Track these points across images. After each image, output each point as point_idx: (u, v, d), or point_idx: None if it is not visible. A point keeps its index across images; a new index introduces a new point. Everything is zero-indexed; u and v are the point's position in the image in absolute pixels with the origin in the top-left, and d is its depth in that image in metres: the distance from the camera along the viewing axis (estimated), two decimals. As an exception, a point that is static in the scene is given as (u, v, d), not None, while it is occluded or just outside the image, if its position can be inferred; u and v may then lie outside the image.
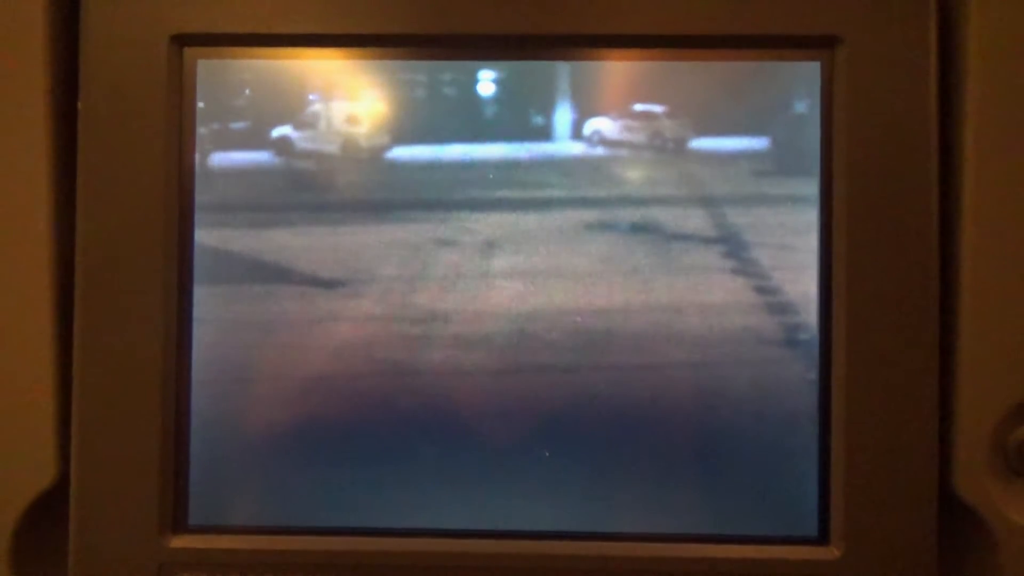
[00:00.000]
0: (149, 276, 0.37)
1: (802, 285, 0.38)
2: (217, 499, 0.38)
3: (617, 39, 0.37)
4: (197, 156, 0.38)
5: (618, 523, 0.38)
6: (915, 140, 0.36)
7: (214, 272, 0.38)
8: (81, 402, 0.37)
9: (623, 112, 0.38)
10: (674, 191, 0.38)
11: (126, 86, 0.37)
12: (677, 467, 0.38)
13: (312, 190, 0.39)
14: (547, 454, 0.38)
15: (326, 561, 0.37)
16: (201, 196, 0.38)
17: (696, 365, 0.38)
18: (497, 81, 0.38)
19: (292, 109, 0.38)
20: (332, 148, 0.39)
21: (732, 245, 0.38)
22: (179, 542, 0.37)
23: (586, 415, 0.38)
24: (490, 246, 0.38)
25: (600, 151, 0.38)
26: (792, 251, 0.38)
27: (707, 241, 0.38)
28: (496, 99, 0.38)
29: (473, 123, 0.38)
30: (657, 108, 0.38)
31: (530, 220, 0.38)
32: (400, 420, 0.38)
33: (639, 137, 0.38)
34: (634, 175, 0.38)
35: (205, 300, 0.38)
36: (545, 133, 0.38)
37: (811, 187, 0.37)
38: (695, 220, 0.38)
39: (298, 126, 0.39)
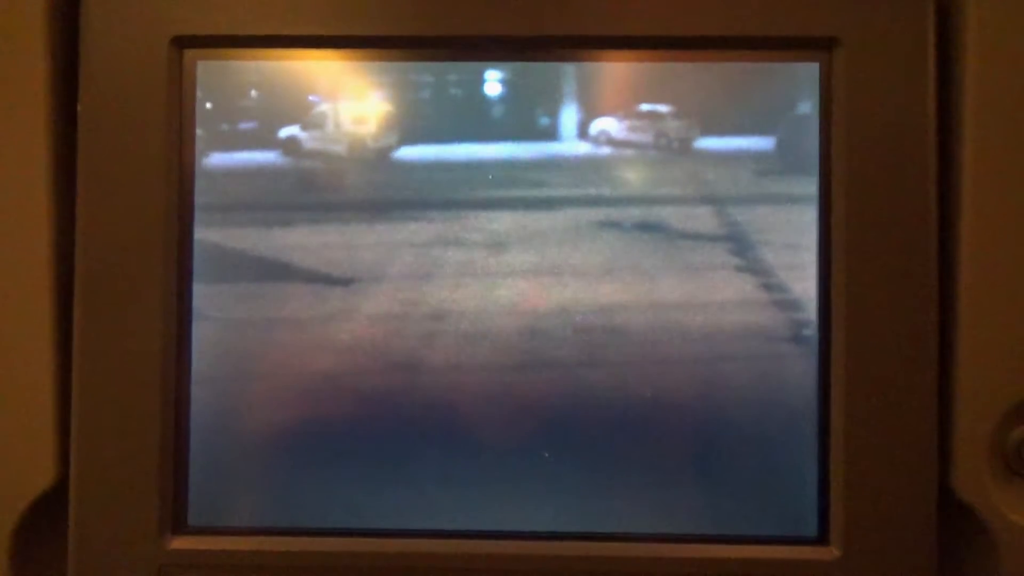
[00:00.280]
0: (148, 278, 0.37)
1: (802, 285, 0.38)
2: (217, 500, 0.38)
3: (616, 40, 0.37)
4: (197, 157, 0.38)
5: (618, 523, 0.38)
6: (913, 140, 0.36)
7: (212, 273, 0.38)
8: (81, 403, 0.37)
9: (629, 112, 0.38)
10: (679, 190, 0.38)
11: (126, 87, 0.37)
12: (677, 467, 0.38)
13: (310, 190, 0.39)
14: (546, 455, 0.38)
15: (326, 562, 0.37)
16: (200, 197, 0.38)
17: (696, 366, 0.38)
18: (504, 82, 0.38)
19: (292, 110, 0.39)
20: (333, 148, 0.39)
21: (736, 243, 0.38)
22: (179, 543, 0.37)
23: (585, 415, 0.38)
24: (497, 245, 0.38)
25: (606, 151, 0.38)
26: (794, 250, 0.38)
27: (711, 239, 0.38)
28: (503, 100, 0.39)
29: (479, 123, 0.38)
30: (663, 108, 0.38)
31: (537, 219, 0.38)
32: (399, 420, 0.38)
33: (644, 137, 0.38)
34: (639, 174, 0.38)
35: (204, 301, 0.38)
36: (552, 133, 0.38)
37: (815, 186, 0.38)
38: (700, 219, 0.38)
39: (299, 127, 0.39)
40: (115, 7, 0.37)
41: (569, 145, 0.38)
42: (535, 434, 0.38)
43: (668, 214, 0.38)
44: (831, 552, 0.37)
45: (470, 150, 0.38)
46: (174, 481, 0.38)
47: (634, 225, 0.38)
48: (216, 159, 0.38)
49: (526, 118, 0.38)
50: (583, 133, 0.38)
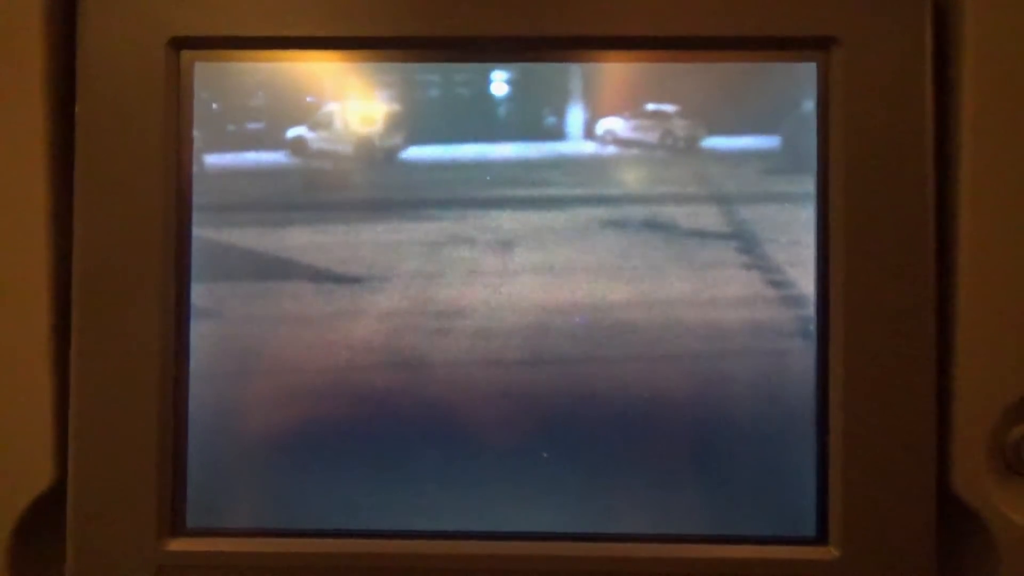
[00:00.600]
0: (146, 280, 0.37)
1: (802, 284, 0.38)
2: (215, 502, 0.38)
3: (612, 40, 0.37)
4: (195, 158, 0.38)
5: (618, 524, 0.38)
6: (911, 139, 0.36)
7: (210, 274, 0.38)
8: (79, 405, 0.37)
9: (635, 112, 0.38)
10: (685, 188, 0.38)
11: (124, 89, 0.37)
12: (676, 467, 0.38)
13: (311, 191, 0.39)
14: (545, 455, 0.38)
15: (325, 564, 0.37)
16: (198, 198, 0.38)
17: (698, 365, 0.38)
18: (510, 82, 0.39)
19: (292, 111, 0.38)
20: (337, 149, 0.39)
21: (742, 241, 0.38)
22: (177, 545, 0.37)
23: (585, 415, 0.38)
24: (504, 244, 0.38)
25: (612, 150, 0.38)
26: (801, 248, 0.38)
27: (717, 237, 0.38)
28: (509, 100, 0.39)
29: (486, 123, 0.38)
30: (668, 108, 0.38)
31: (543, 218, 0.38)
32: (398, 420, 0.38)
33: (650, 136, 0.38)
34: (645, 173, 0.38)
35: (202, 302, 0.38)
36: (558, 132, 0.39)
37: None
38: (707, 217, 0.38)
39: (305, 128, 0.39)
40: (112, 8, 0.37)
41: (575, 144, 0.38)
42: (536, 434, 0.38)
43: (674, 212, 0.38)
44: (830, 552, 0.37)
45: (477, 150, 0.38)
46: (172, 483, 0.38)
47: (640, 223, 0.38)
48: (214, 160, 0.38)
49: (532, 118, 0.39)
50: (589, 132, 0.38)
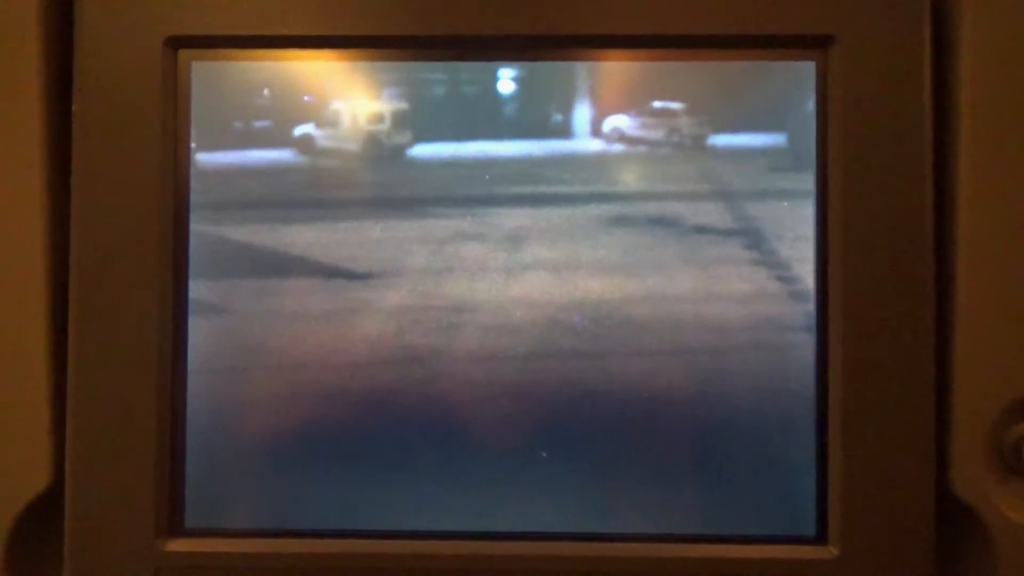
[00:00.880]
0: (144, 279, 0.37)
1: (808, 281, 0.38)
2: (213, 502, 0.38)
3: (617, 40, 0.38)
4: (192, 156, 0.38)
5: (617, 523, 0.38)
6: (910, 138, 0.36)
7: (213, 272, 0.38)
8: (76, 405, 0.37)
9: (641, 109, 0.38)
10: (691, 186, 0.38)
11: (121, 88, 0.37)
12: (676, 467, 0.38)
13: (312, 188, 0.39)
14: (544, 455, 0.38)
15: (323, 564, 0.37)
16: (196, 197, 0.38)
17: (699, 363, 0.38)
18: (517, 80, 0.39)
19: (291, 110, 0.38)
20: (340, 146, 0.39)
21: (748, 238, 0.38)
22: (175, 546, 0.37)
23: (587, 413, 0.38)
24: (512, 241, 0.38)
25: (618, 147, 0.38)
26: (807, 244, 0.38)
27: (723, 234, 0.38)
28: (516, 98, 0.39)
29: (494, 121, 0.38)
30: (675, 105, 0.38)
31: (550, 215, 0.38)
32: (399, 420, 0.38)
33: (657, 134, 0.38)
34: (651, 170, 0.38)
35: (201, 302, 0.38)
36: (564, 130, 0.39)
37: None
38: (713, 213, 0.38)
39: (295, 126, 0.39)
40: (110, 7, 0.37)
41: (581, 142, 0.38)
42: (539, 432, 0.38)
43: (681, 209, 0.38)
44: (829, 551, 0.37)
45: (484, 147, 0.38)
46: (170, 483, 0.38)
47: (647, 220, 0.38)
48: (212, 158, 0.38)
49: (539, 116, 0.39)
50: (595, 130, 0.38)
